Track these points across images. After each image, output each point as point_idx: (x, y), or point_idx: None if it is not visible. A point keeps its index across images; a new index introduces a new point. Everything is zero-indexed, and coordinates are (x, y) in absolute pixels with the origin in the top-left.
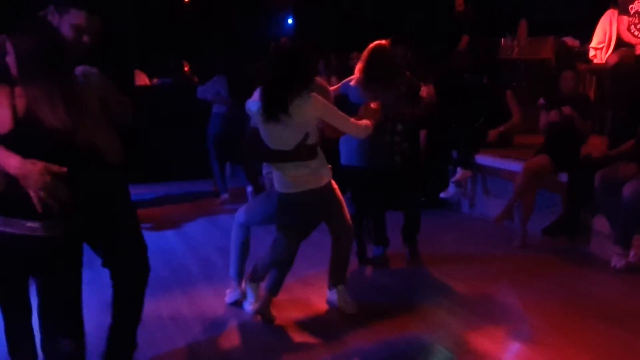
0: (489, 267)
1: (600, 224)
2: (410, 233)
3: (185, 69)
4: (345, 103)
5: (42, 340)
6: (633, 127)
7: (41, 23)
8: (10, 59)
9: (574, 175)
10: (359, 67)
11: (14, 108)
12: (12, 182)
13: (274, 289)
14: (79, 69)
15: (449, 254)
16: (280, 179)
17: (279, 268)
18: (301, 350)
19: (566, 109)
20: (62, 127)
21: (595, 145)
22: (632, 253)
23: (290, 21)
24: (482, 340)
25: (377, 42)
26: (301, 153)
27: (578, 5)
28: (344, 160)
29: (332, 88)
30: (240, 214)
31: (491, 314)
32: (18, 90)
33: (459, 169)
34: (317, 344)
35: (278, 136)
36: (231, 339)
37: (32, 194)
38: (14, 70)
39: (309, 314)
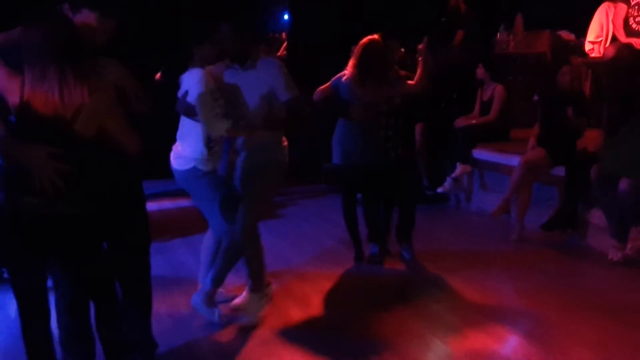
0: (486, 261)
1: (597, 217)
2: (405, 231)
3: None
4: (336, 99)
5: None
6: (628, 121)
7: (48, 13)
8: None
9: (571, 169)
10: (351, 63)
11: (21, 95)
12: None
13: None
14: (98, 60)
15: (446, 248)
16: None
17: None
18: (299, 347)
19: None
20: (52, 113)
21: (591, 139)
22: (628, 246)
23: (286, 17)
24: (480, 334)
25: (369, 37)
26: None
27: None
28: (336, 160)
29: (323, 87)
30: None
31: (488, 308)
32: (26, 78)
33: (458, 164)
34: (315, 340)
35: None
36: (230, 336)
37: (35, 176)
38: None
39: (306, 309)
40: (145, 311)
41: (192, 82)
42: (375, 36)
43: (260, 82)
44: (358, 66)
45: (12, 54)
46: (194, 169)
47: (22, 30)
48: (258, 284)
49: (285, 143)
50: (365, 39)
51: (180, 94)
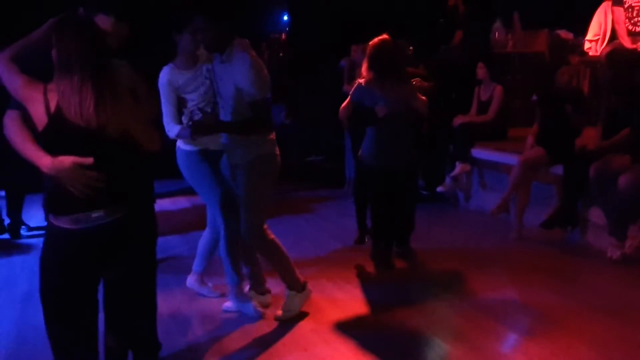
0: (485, 260)
1: (596, 215)
2: (405, 231)
3: None
4: (362, 108)
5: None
6: (626, 118)
7: (80, 19)
8: (54, 53)
9: (570, 167)
10: (365, 66)
11: (46, 104)
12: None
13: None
14: (113, 64)
15: (445, 247)
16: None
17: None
18: (301, 346)
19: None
20: (86, 124)
21: (589, 137)
22: (627, 244)
23: (285, 18)
24: (480, 333)
25: (379, 37)
26: None
27: None
28: (366, 161)
29: (344, 105)
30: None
31: (488, 306)
32: (51, 85)
33: (457, 163)
34: (317, 339)
35: None
36: (231, 337)
37: (70, 188)
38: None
39: (307, 309)
40: (151, 311)
41: (160, 79)
42: (385, 36)
43: (232, 76)
44: (373, 68)
45: (30, 60)
46: (178, 149)
47: (56, 37)
48: (290, 281)
49: (273, 136)
50: (375, 40)
51: None
